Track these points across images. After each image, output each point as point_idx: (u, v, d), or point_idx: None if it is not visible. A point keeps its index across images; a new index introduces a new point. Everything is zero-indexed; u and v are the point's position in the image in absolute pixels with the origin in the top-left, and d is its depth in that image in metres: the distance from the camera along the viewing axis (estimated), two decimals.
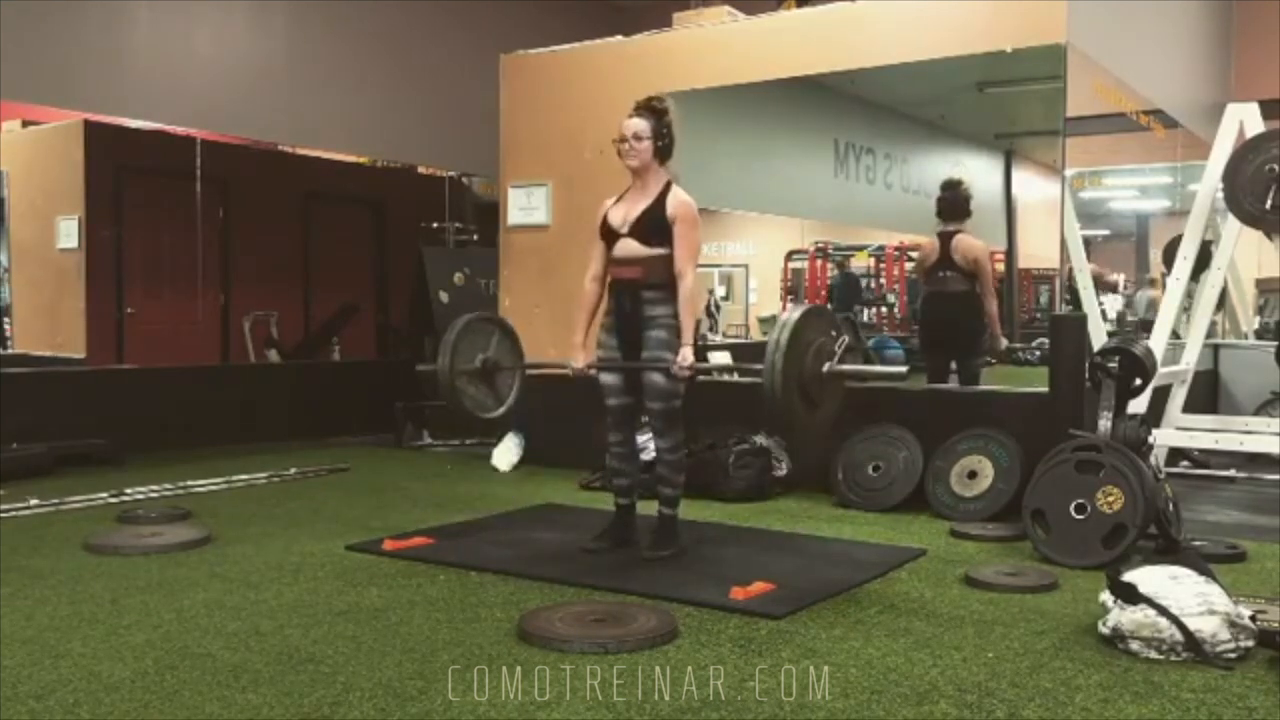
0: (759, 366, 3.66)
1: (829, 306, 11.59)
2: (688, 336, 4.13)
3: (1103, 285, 8.77)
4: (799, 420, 3.75)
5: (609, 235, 4.28)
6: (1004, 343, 6.61)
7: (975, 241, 6.47)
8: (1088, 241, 7.26)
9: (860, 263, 12.70)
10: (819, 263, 12.33)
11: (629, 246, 4.22)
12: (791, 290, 12.70)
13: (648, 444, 4.61)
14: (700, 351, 5.82)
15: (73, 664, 2.96)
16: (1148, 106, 7.16)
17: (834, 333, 3.83)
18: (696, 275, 4.19)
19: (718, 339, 11.04)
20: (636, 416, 4.42)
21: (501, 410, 4.72)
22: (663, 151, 4.25)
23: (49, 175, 8.01)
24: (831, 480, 5.55)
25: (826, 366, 3.77)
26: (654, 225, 4.17)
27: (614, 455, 4.39)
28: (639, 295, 4.19)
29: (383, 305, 9.55)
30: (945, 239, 6.42)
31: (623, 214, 4.26)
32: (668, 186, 4.24)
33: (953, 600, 3.70)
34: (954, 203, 6.53)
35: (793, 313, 3.71)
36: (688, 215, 4.18)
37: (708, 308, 12.72)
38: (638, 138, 4.21)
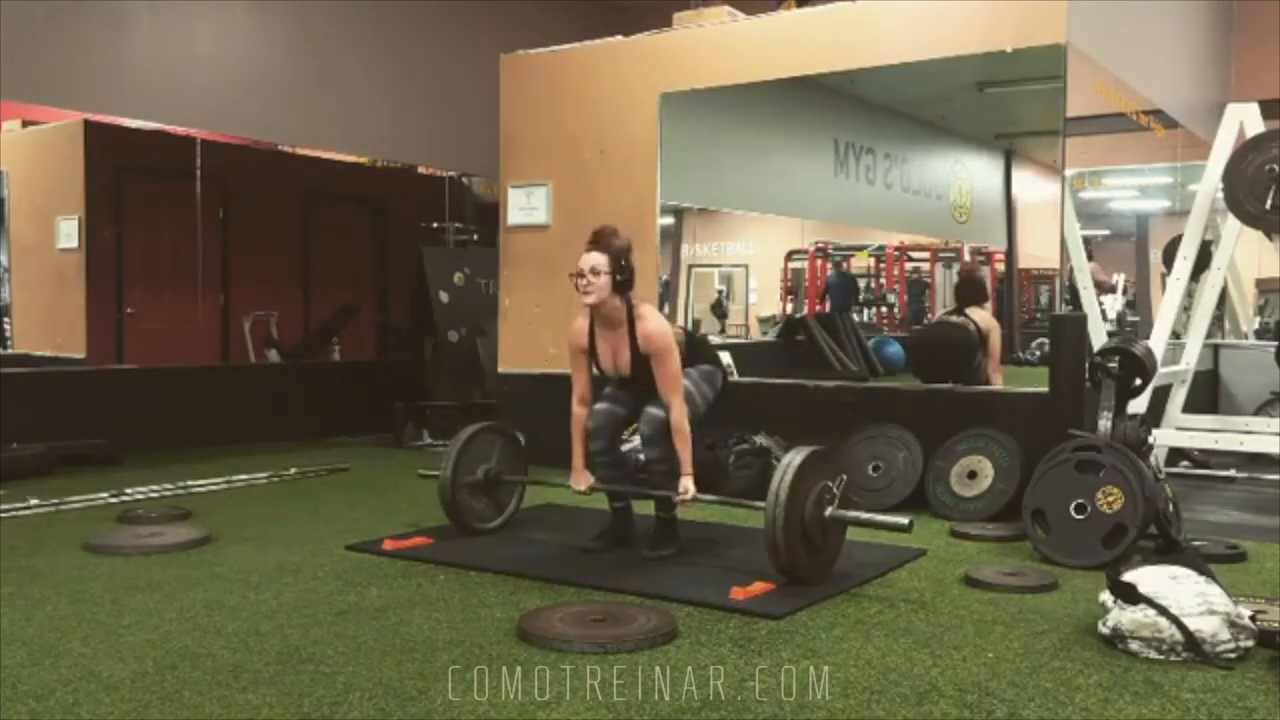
0: (761, 505, 3.71)
1: (827, 308, 11.60)
2: (685, 467, 4.13)
3: (1100, 287, 8.80)
4: (802, 566, 3.76)
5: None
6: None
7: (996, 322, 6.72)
8: (1088, 241, 7.27)
9: (860, 263, 12.69)
10: (819, 263, 12.32)
11: (629, 380, 4.29)
12: (791, 290, 12.70)
13: (634, 438, 4.60)
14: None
15: (73, 664, 2.96)
16: (1148, 106, 7.15)
17: (831, 481, 3.84)
18: (683, 405, 4.14)
19: (720, 339, 11.05)
20: (621, 428, 4.44)
21: (500, 521, 4.77)
22: (621, 286, 4.15)
23: (49, 175, 8.00)
24: None
25: (828, 511, 3.81)
26: (644, 368, 4.18)
27: (598, 464, 4.39)
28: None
29: (383, 305, 9.56)
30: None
31: (610, 360, 4.27)
32: (631, 313, 4.19)
33: (953, 600, 3.70)
34: (970, 290, 6.82)
35: (795, 457, 3.73)
36: (659, 346, 4.13)
37: (717, 306, 12.76)
38: (595, 272, 4.11)
